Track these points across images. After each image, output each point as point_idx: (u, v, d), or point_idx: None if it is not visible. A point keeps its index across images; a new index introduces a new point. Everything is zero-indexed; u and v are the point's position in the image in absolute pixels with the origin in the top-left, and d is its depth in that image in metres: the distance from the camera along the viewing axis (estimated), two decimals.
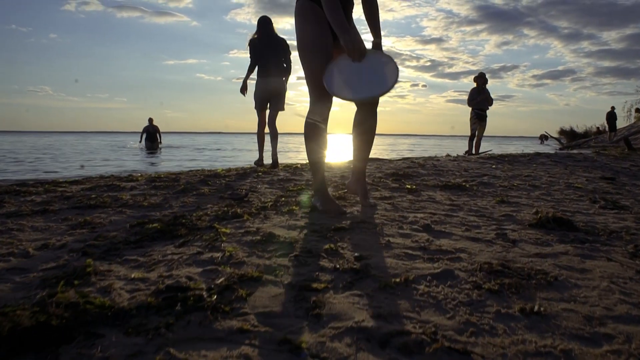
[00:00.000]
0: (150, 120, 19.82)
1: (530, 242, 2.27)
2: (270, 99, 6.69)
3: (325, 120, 2.89)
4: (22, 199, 3.31)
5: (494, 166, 5.79)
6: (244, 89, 6.83)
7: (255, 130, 7.01)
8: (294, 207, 2.97)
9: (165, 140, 23.11)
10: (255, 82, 6.69)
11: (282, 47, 6.64)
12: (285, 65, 6.72)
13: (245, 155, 15.36)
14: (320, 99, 2.83)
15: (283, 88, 6.69)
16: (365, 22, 3.13)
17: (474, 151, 10.85)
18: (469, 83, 11.91)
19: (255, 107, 6.78)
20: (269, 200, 3.25)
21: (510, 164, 6.24)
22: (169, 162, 11.71)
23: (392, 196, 3.51)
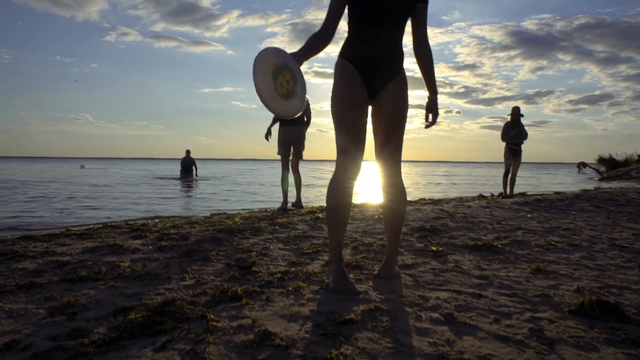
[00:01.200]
0: (188, 152, 20.07)
1: (571, 343, 1.92)
2: (292, 145, 7.24)
3: (354, 180, 2.73)
4: (15, 265, 3.09)
5: (529, 215, 5.39)
6: (268, 135, 7.45)
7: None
8: (302, 283, 2.68)
9: (201, 167, 23.25)
10: (278, 129, 7.25)
11: None
12: (305, 118, 7.35)
13: (273, 191, 15.15)
14: (349, 153, 2.68)
15: (304, 136, 7.30)
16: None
17: (508, 190, 10.40)
18: (504, 109, 11.55)
19: (279, 152, 7.29)
20: (277, 270, 2.96)
21: (546, 211, 5.84)
22: (198, 200, 11.54)
23: (415, 263, 3.18)
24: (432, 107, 2.79)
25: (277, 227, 4.59)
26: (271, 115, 7.23)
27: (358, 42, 2.74)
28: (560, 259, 3.39)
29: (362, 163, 2.76)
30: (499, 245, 3.70)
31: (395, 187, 2.87)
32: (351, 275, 2.83)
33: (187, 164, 20.26)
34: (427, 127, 2.84)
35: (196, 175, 20.60)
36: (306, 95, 2.73)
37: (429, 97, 2.81)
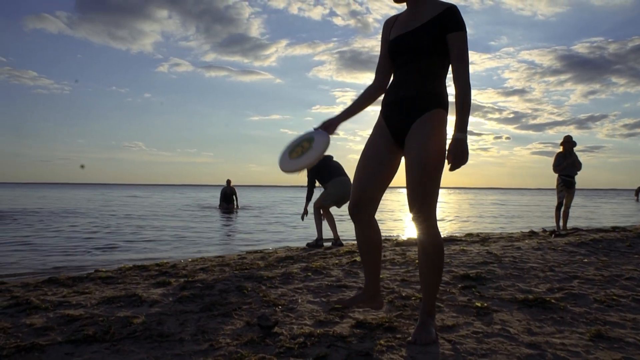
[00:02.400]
0: (228, 182, 20.14)
1: None
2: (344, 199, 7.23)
3: (360, 216, 2.71)
4: (24, 319, 2.91)
5: (585, 260, 4.92)
6: (304, 215, 7.76)
7: None
8: (325, 351, 2.38)
9: (246, 195, 23.26)
10: (329, 184, 7.30)
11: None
12: None
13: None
14: (352, 195, 2.72)
15: None
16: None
17: (561, 223, 9.83)
18: (555, 135, 11.09)
19: (328, 203, 7.35)
20: (301, 332, 2.66)
21: (605, 254, 5.35)
22: (237, 234, 11.38)
23: (456, 324, 2.82)
24: (455, 147, 2.44)
25: (309, 274, 4.30)
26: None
27: (389, 88, 2.65)
28: (626, 321, 2.97)
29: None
30: (553, 300, 3.30)
31: (426, 246, 2.57)
32: (381, 341, 2.51)
33: (228, 194, 20.28)
34: (451, 169, 2.48)
35: (237, 205, 20.57)
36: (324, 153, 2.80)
37: (452, 136, 2.47)
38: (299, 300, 3.38)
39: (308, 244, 7.31)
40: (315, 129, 2.86)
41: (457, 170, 2.48)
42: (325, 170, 7.31)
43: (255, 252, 6.80)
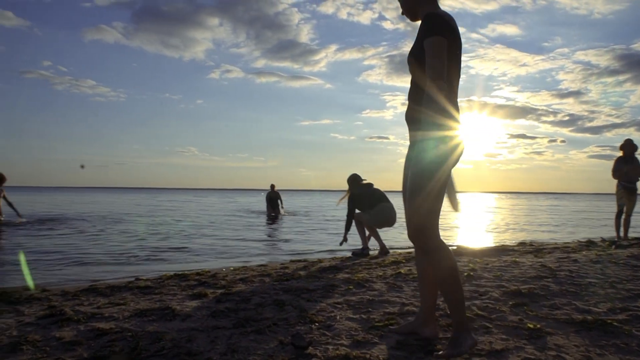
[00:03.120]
0: (272, 186, 20.14)
1: None
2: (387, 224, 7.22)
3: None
4: (54, 332, 2.85)
5: None
6: (343, 242, 7.50)
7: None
8: None
9: (296, 199, 23.20)
10: (372, 212, 7.14)
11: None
12: None
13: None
14: None
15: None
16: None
17: (622, 233, 9.29)
18: (613, 137, 10.56)
19: (368, 223, 7.20)
20: (336, 354, 2.48)
21: None
22: (281, 243, 11.28)
23: (506, 349, 2.59)
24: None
25: (351, 287, 4.12)
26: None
27: None
28: None
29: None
30: (615, 323, 3.01)
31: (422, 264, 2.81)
32: None
33: (273, 199, 20.26)
34: None
35: (282, 208, 20.53)
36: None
37: None
38: (338, 317, 3.21)
39: (354, 253, 7.14)
40: None
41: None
42: (366, 199, 7.21)
43: (299, 260, 6.67)
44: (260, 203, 29.90)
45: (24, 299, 3.89)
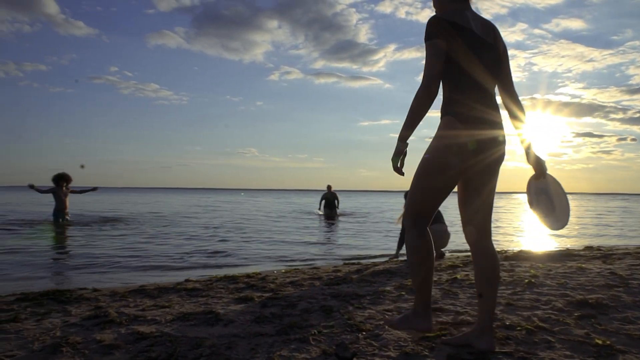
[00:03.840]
0: (329, 187, 20.02)
1: None
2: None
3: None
4: (95, 335, 2.80)
5: None
6: (394, 259, 7.01)
7: None
8: None
9: (355, 200, 23.04)
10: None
11: None
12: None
13: None
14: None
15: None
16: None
17: None
18: None
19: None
20: None
21: None
22: (337, 245, 11.14)
23: None
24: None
25: (403, 293, 3.93)
26: None
27: None
28: None
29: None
30: None
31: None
32: None
33: (329, 200, 20.11)
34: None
35: (338, 209, 20.38)
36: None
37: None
38: (387, 326, 3.03)
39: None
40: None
41: (398, 174, 2.53)
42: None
43: (353, 263, 6.50)
44: (317, 204, 29.86)
45: (74, 299, 3.91)
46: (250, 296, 3.82)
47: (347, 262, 6.81)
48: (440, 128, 2.57)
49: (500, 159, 2.61)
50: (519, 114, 2.69)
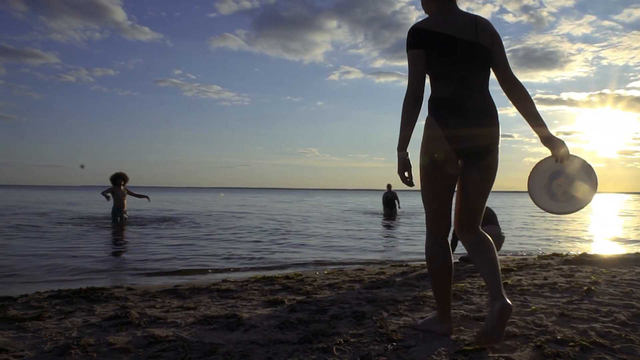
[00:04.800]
0: (389, 186, 19.68)
1: None
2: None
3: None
4: (109, 336, 2.65)
5: None
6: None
7: None
8: None
9: (415, 199, 22.55)
10: None
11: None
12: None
13: None
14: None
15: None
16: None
17: None
18: None
19: None
20: None
21: None
22: (390, 245, 10.81)
23: None
24: None
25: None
26: None
27: None
28: None
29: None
30: None
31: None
32: None
33: (389, 199, 19.78)
34: None
35: (399, 208, 19.99)
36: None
37: (543, 137, 2.66)
38: (421, 335, 2.75)
39: (461, 258, 6.51)
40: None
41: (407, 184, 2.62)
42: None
43: (400, 265, 6.19)
44: (377, 203, 29.40)
45: (104, 298, 3.82)
46: (281, 299, 3.61)
47: (394, 264, 6.51)
48: (423, 129, 2.68)
49: (484, 154, 2.63)
50: (522, 100, 2.66)
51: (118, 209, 13.15)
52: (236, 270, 6.46)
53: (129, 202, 13.51)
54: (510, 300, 2.46)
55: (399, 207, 19.97)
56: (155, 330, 2.81)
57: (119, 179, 12.98)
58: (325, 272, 5.50)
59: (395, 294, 3.81)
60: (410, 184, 2.60)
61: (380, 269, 5.77)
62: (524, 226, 15.71)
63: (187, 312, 3.27)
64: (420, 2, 2.82)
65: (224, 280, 4.77)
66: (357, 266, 6.51)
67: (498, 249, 6.38)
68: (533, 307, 3.34)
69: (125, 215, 13.37)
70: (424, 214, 2.76)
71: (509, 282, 4.24)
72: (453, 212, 2.76)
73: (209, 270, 6.35)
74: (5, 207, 21.90)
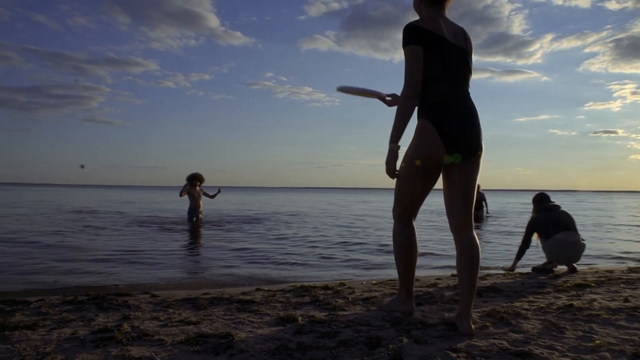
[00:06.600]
0: (477, 187, 18.68)
1: None
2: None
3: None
4: (80, 355, 2.36)
5: None
6: (509, 272, 5.90)
7: None
8: None
9: (509, 199, 21.32)
10: (547, 244, 5.68)
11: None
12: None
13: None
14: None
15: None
16: None
17: None
18: None
19: (548, 259, 5.73)
20: None
21: None
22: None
23: None
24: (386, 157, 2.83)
25: (488, 324, 3.02)
26: None
27: None
28: None
29: None
30: None
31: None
32: None
33: (476, 199, 18.77)
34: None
35: (487, 212, 18.91)
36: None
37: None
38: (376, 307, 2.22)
39: (534, 268, 5.79)
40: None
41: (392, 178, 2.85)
42: (545, 225, 5.74)
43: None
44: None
45: (115, 305, 3.58)
46: (294, 316, 3.17)
47: (454, 273, 5.88)
48: (416, 131, 2.80)
49: (475, 151, 2.82)
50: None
51: (194, 209, 13.27)
52: (291, 277, 6.10)
53: (207, 202, 13.59)
54: (475, 328, 2.84)
55: (487, 210, 18.92)
56: (132, 350, 2.48)
57: (194, 179, 13.08)
58: (373, 282, 5.00)
59: (430, 315, 3.27)
60: (396, 176, 2.86)
61: (437, 279, 5.19)
62: (629, 229, 14.30)
63: (183, 328, 2.93)
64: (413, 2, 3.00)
65: (258, 289, 4.42)
66: (423, 274, 5.93)
67: (577, 259, 5.61)
68: (597, 342, 2.70)
69: (201, 216, 13.48)
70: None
71: (575, 304, 3.57)
72: (447, 216, 2.94)
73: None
74: (78, 207, 22.96)
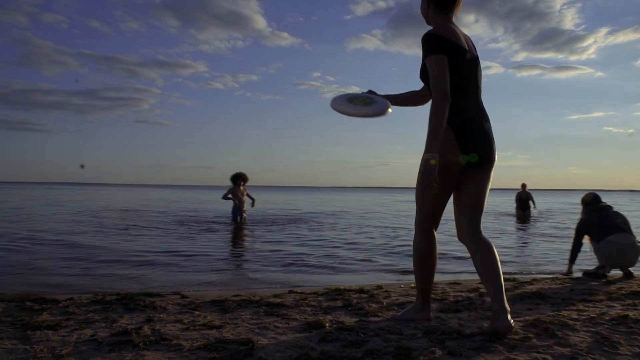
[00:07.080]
0: (523, 186, 18.19)
1: None
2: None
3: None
4: (93, 358, 2.27)
5: None
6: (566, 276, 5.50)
7: None
8: None
9: (558, 199, 20.68)
10: (599, 247, 5.32)
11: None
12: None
13: None
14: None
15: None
16: None
17: None
18: None
19: (600, 263, 5.34)
20: None
21: None
22: (515, 254, 9.67)
23: None
24: (420, 166, 2.81)
25: (531, 336, 2.78)
26: None
27: None
28: None
29: None
30: None
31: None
32: None
33: (523, 200, 18.18)
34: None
35: (534, 207, 18.30)
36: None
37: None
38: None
39: (585, 273, 5.44)
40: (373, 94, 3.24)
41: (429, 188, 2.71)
42: (597, 225, 5.40)
43: (509, 279, 5.25)
44: (507, 204, 27.35)
45: (141, 306, 3.51)
46: (321, 322, 3.02)
47: (505, 276, 5.57)
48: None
49: (491, 157, 2.87)
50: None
51: (238, 208, 13.27)
52: (317, 274, 5.94)
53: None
54: (517, 339, 2.61)
55: (535, 208, 18.31)
56: (147, 356, 2.38)
57: (238, 179, 13.09)
58: (412, 285, 4.79)
59: (468, 324, 3.06)
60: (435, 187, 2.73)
61: (479, 283, 4.93)
62: None
63: (205, 332, 2.82)
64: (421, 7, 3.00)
65: (291, 291, 4.29)
66: (455, 279, 5.68)
67: (633, 263, 5.24)
68: None
69: (245, 215, 13.47)
70: (465, 216, 2.92)
71: (630, 314, 3.26)
72: (456, 224, 2.96)
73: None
74: (117, 206, 23.38)
